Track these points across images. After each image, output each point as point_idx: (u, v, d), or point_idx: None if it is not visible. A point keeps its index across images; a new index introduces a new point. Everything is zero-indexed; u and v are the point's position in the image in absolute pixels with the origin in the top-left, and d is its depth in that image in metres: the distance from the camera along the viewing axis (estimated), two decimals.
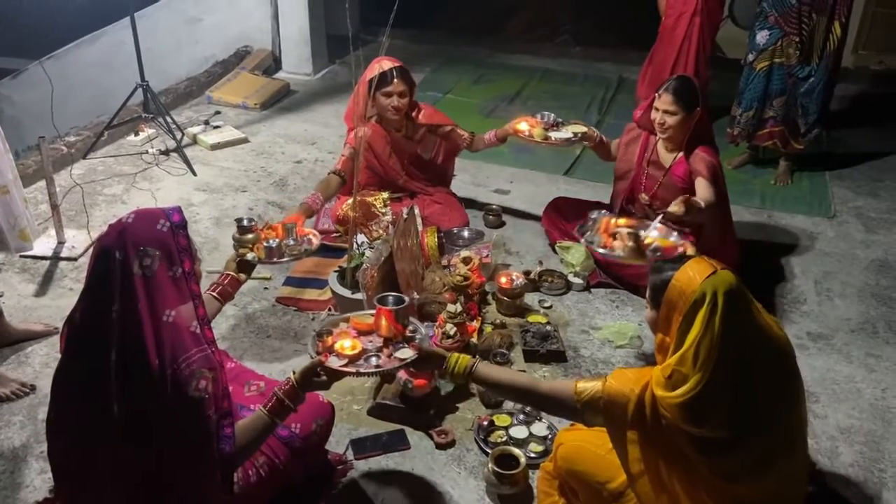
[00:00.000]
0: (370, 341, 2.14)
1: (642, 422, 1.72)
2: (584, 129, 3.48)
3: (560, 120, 3.55)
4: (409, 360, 2.05)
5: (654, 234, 2.79)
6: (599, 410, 1.78)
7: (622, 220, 2.88)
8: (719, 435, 1.67)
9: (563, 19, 6.84)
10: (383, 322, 2.14)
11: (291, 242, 2.83)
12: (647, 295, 1.87)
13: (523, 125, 3.51)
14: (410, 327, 2.20)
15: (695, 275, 1.70)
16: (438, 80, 5.96)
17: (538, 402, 1.99)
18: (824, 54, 4.05)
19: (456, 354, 2.03)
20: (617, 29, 6.37)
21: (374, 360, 2.08)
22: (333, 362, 1.99)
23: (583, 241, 2.91)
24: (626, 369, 1.84)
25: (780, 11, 4.02)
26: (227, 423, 1.74)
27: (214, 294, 2.34)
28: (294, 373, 1.91)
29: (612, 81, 6.01)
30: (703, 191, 3.08)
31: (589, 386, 1.80)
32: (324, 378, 1.93)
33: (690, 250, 2.50)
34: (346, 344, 2.07)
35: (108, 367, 1.63)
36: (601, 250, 2.82)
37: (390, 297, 2.22)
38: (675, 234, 2.82)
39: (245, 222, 2.72)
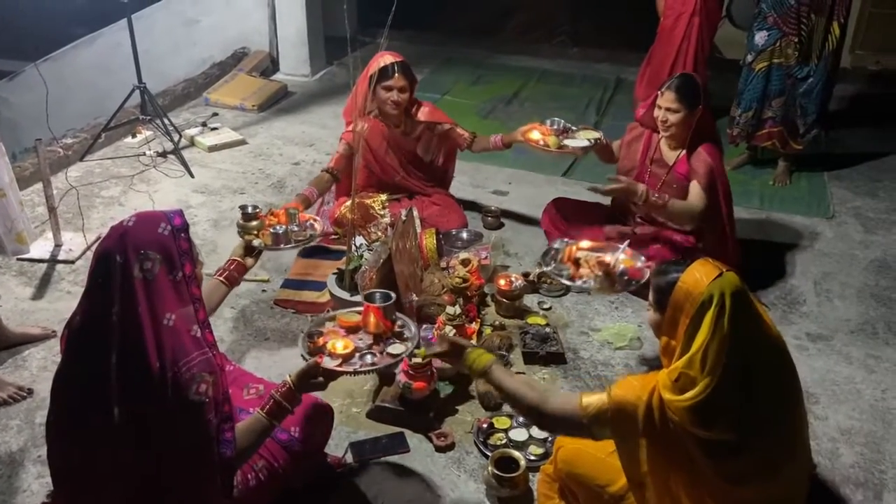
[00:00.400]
0: (360, 339, 2.18)
1: (651, 427, 1.70)
2: (597, 134, 3.45)
3: (570, 126, 3.51)
4: (438, 351, 2.10)
5: (621, 258, 2.71)
6: (607, 422, 1.74)
7: (584, 244, 2.82)
8: (728, 438, 1.66)
9: (560, 20, 6.83)
10: (372, 319, 2.17)
11: (296, 228, 2.87)
12: (651, 297, 1.86)
13: (535, 134, 3.45)
14: (399, 322, 2.24)
15: (701, 277, 1.69)
16: (436, 82, 5.95)
17: (544, 422, 1.93)
18: (823, 55, 4.05)
19: (478, 350, 2.02)
20: (615, 30, 6.36)
21: (368, 358, 2.11)
22: (327, 363, 2.02)
23: (548, 271, 2.81)
24: (629, 377, 1.82)
25: (778, 12, 4.01)
26: (227, 427, 1.74)
27: (221, 279, 2.36)
28: (290, 375, 1.91)
29: (610, 82, 6.00)
30: (693, 195, 3.08)
31: (594, 399, 1.76)
32: (320, 379, 1.94)
33: None
34: (339, 344, 2.10)
35: (108, 371, 1.63)
36: (569, 283, 2.72)
37: (377, 294, 2.26)
38: (642, 257, 2.76)
39: (249, 209, 2.76)
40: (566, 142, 3.40)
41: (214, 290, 2.32)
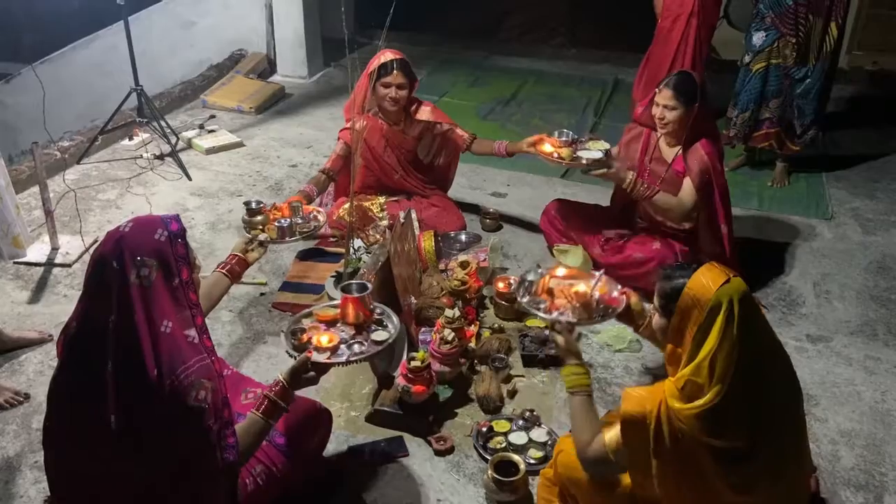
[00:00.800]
0: (342, 331, 2.21)
1: (660, 441, 1.69)
2: (607, 144, 3.42)
3: (578, 137, 3.45)
4: (556, 339, 2.16)
5: (598, 286, 2.58)
6: (622, 447, 1.74)
7: (559, 272, 2.67)
8: (738, 445, 1.65)
9: (558, 21, 6.82)
10: (350, 310, 2.20)
11: (300, 221, 2.89)
12: (656, 303, 1.85)
13: (548, 146, 3.40)
14: (378, 310, 2.27)
15: (708, 282, 1.68)
16: (435, 83, 5.94)
17: (584, 465, 1.92)
18: (821, 55, 4.05)
19: (578, 369, 2.04)
20: (613, 31, 6.36)
21: (356, 348, 2.14)
22: (316, 357, 2.04)
23: (524, 302, 2.63)
24: (633, 389, 1.80)
25: (776, 13, 4.01)
26: (229, 432, 1.73)
27: (224, 272, 2.38)
28: (282, 373, 1.93)
29: (608, 83, 6.00)
30: (684, 191, 3.10)
31: (613, 433, 1.78)
32: (312, 374, 1.96)
33: (634, 298, 2.44)
34: (324, 339, 2.12)
35: (105, 378, 1.62)
36: (546, 316, 2.54)
37: (353, 285, 2.29)
38: (618, 286, 2.61)
39: (253, 204, 2.79)
40: (579, 153, 3.37)
41: (216, 284, 2.35)
